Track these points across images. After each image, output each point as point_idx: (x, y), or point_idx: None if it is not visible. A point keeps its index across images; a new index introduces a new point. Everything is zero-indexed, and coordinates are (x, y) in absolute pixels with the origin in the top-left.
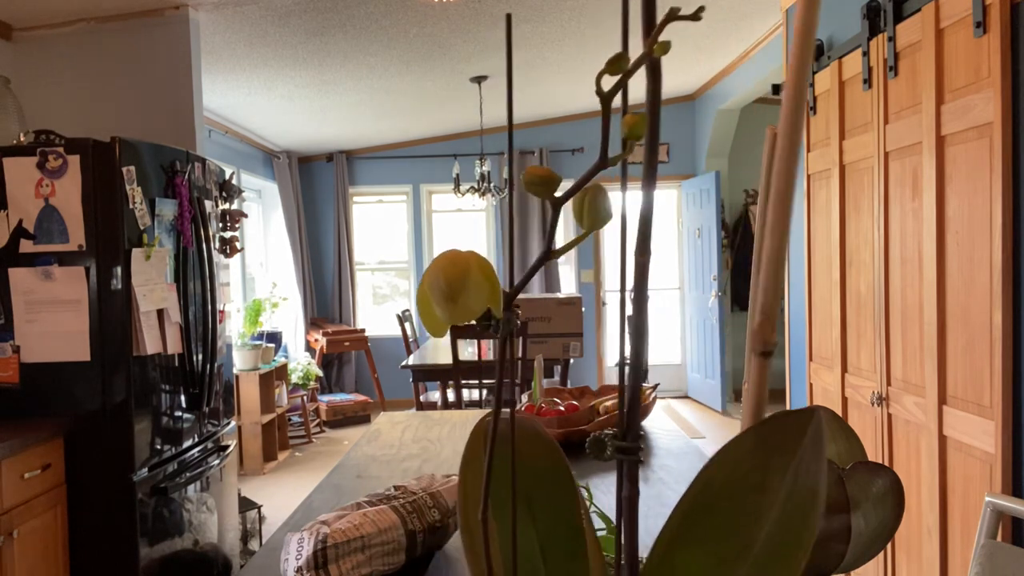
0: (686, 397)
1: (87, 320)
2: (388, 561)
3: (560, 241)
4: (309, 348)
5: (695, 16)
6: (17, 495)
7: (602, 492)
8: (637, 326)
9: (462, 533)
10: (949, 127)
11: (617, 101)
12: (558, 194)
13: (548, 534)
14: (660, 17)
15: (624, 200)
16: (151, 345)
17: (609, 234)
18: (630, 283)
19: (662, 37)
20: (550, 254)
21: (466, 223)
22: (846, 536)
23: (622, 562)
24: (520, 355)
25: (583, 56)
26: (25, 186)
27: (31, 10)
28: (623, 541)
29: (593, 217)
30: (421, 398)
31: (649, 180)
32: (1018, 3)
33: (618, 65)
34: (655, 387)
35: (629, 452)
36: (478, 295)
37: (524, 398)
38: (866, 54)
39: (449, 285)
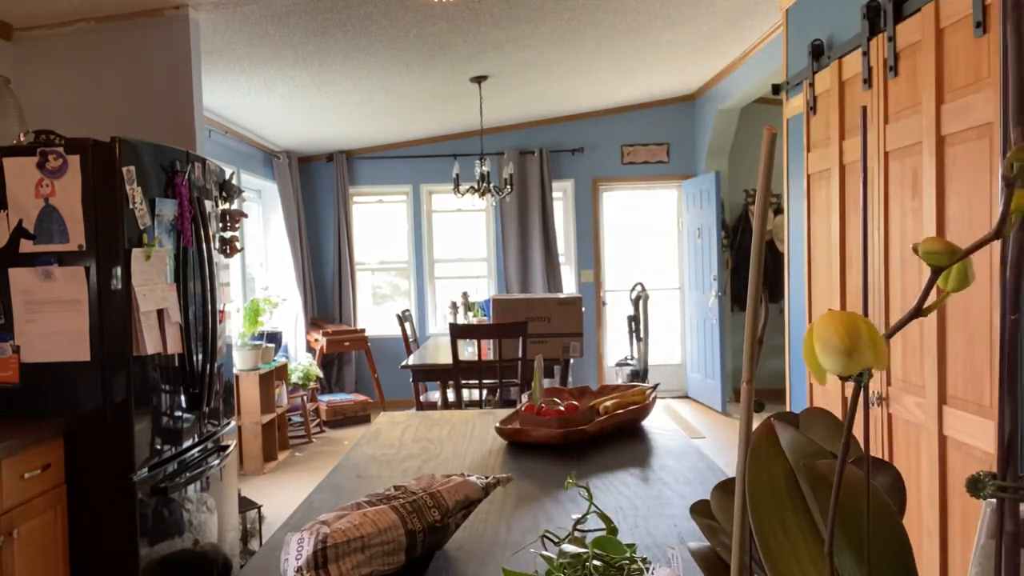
0: (686, 397)
1: (87, 320)
2: (388, 561)
3: (560, 241)
4: (309, 348)
5: None
6: (17, 495)
7: (602, 492)
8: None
9: (765, 559)
10: (949, 127)
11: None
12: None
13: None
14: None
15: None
16: (151, 345)
17: (609, 235)
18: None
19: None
20: (920, 312)
21: (466, 223)
22: None
23: None
24: (520, 355)
25: (583, 56)
26: (25, 186)
27: (31, 10)
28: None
29: (960, 281)
30: (421, 398)
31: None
32: (1019, 3)
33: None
34: (655, 387)
35: (1012, 491)
36: (868, 354)
37: (524, 398)
38: (866, 54)
39: (846, 342)
